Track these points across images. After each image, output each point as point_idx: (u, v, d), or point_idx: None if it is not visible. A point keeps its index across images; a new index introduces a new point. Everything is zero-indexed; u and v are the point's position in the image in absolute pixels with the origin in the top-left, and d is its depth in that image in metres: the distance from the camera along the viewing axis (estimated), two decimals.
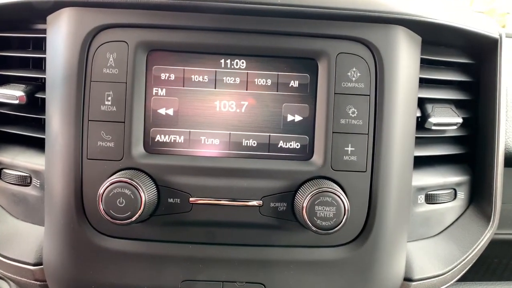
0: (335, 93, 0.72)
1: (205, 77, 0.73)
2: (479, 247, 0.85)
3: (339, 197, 0.67)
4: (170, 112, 0.73)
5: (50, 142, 0.74)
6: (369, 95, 0.72)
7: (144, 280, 0.74)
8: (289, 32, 0.71)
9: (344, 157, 0.72)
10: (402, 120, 0.74)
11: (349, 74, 0.72)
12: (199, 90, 0.73)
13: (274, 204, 0.72)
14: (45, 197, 0.76)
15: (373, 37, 0.72)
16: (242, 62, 0.73)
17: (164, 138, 0.73)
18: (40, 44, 0.83)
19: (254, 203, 0.72)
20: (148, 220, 0.72)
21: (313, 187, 0.68)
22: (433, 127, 0.82)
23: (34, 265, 0.78)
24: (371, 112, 0.72)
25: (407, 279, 0.81)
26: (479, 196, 0.91)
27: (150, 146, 0.73)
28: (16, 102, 0.79)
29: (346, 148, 0.72)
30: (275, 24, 0.71)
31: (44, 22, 0.75)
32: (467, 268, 0.86)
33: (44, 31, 0.76)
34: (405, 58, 0.74)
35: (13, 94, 0.79)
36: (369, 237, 0.74)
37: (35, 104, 0.83)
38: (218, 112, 0.73)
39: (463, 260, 0.84)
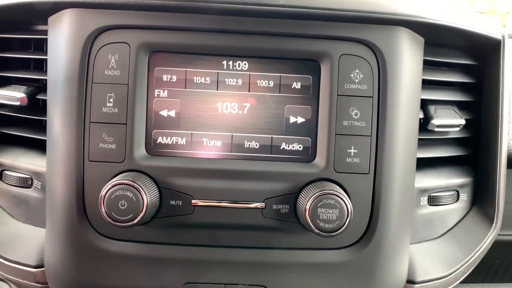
0: (337, 95, 0.71)
1: (207, 78, 0.73)
2: (482, 249, 0.85)
3: (342, 199, 0.67)
4: (172, 113, 0.73)
5: (51, 143, 0.74)
6: (372, 97, 0.72)
7: (146, 282, 0.74)
8: (291, 33, 0.71)
9: (347, 159, 0.72)
10: (405, 121, 0.74)
11: (352, 75, 0.72)
12: (201, 92, 0.73)
13: (277, 206, 0.72)
14: (46, 199, 0.76)
15: (376, 39, 0.71)
16: (244, 64, 0.73)
17: (166, 140, 0.73)
18: (41, 45, 0.83)
19: (257, 205, 0.72)
20: (150, 222, 0.71)
21: (315, 189, 0.68)
22: (436, 129, 0.82)
23: (35, 267, 0.78)
24: (374, 113, 0.72)
25: (410, 281, 0.80)
26: (482, 198, 0.91)
27: (152, 148, 0.73)
28: (17, 103, 0.79)
29: (349, 150, 0.72)
30: (278, 25, 0.71)
31: (45, 23, 0.75)
32: (470, 270, 0.85)
33: (45, 32, 0.76)
34: (408, 59, 0.73)
35: (14, 95, 0.79)
36: (372, 239, 0.74)
37: (36, 105, 0.82)
38: (220, 113, 0.73)
39: (466, 262, 0.84)
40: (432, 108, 0.83)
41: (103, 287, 0.74)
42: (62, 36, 0.72)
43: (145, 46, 0.71)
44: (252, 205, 0.72)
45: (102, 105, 0.71)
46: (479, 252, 0.85)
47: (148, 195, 0.66)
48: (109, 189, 0.66)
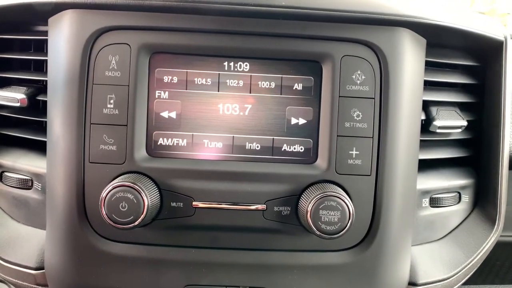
0: (339, 96, 0.71)
1: (208, 79, 0.72)
2: (484, 250, 0.85)
3: (343, 201, 0.66)
4: (173, 115, 0.73)
5: (51, 145, 0.73)
6: (373, 98, 0.72)
7: (147, 284, 0.73)
8: (293, 34, 0.71)
9: (349, 160, 0.72)
10: (407, 123, 0.74)
11: (353, 76, 0.71)
12: (202, 93, 0.72)
13: (278, 208, 0.72)
14: (46, 201, 0.75)
15: (378, 40, 0.71)
16: (246, 65, 0.72)
17: (167, 141, 0.73)
18: (41, 46, 0.82)
19: (258, 207, 0.71)
20: (151, 224, 0.71)
21: (317, 191, 0.68)
22: (438, 130, 0.82)
23: (35, 269, 0.78)
24: (375, 115, 0.72)
25: (412, 283, 0.80)
26: (483, 200, 0.90)
27: (153, 150, 0.73)
28: (18, 104, 0.78)
29: (350, 152, 0.72)
30: (279, 26, 0.70)
31: (46, 24, 0.75)
32: (471, 272, 0.85)
33: (45, 33, 0.76)
34: (410, 60, 0.73)
35: (15, 96, 0.78)
36: (373, 241, 0.74)
37: (36, 106, 0.82)
38: (221, 115, 0.73)
39: (468, 264, 0.83)
40: (434, 109, 0.83)
41: None
42: (63, 37, 0.71)
43: (146, 47, 0.70)
44: (253, 207, 0.71)
45: (102, 107, 0.70)
46: (481, 254, 0.84)
47: (149, 197, 0.66)
48: (109, 191, 0.65)
